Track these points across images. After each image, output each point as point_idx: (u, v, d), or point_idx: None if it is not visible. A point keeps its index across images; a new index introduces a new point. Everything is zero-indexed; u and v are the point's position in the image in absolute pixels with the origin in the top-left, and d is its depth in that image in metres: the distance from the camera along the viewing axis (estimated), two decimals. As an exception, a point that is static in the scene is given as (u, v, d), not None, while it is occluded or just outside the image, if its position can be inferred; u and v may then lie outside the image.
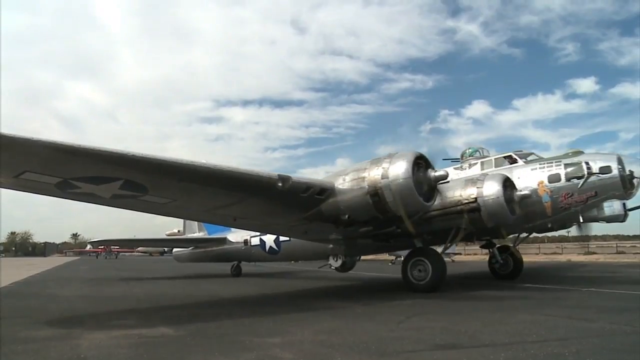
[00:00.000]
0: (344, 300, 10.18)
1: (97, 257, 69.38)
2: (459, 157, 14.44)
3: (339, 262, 15.74)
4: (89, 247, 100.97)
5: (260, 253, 16.88)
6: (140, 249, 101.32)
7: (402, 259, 13.40)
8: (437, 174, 9.98)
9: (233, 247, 17.99)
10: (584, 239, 17.53)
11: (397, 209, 9.39)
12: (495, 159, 13.83)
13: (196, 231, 21.14)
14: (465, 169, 13.67)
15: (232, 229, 18.63)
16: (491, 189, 11.05)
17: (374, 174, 9.48)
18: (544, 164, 12.46)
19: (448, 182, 11.12)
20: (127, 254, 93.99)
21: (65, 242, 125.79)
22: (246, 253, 17.51)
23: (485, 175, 11.95)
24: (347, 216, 9.98)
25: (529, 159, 13.20)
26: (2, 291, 13.19)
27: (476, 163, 13.60)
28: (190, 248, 19.70)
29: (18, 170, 6.99)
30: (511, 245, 15.20)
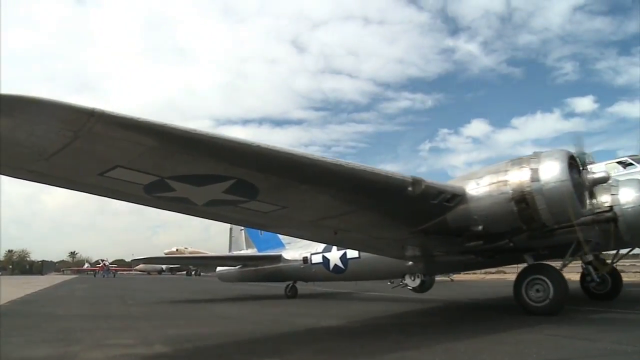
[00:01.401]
0: (441, 330, 7.86)
1: (94, 276, 68.39)
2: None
3: (417, 281, 13.88)
4: (86, 265, 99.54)
5: (323, 272, 15.06)
6: (138, 267, 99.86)
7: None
8: (596, 175, 8.37)
9: (289, 265, 15.99)
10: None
11: (548, 217, 7.77)
12: (606, 164, 12.05)
13: (244, 248, 19.02)
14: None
15: (287, 245, 16.62)
16: (630, 196, 9.42)
17: (519, 177, 7.89)
18: None
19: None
20: (124, 272, 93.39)
21: (62, 261, 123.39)
22: (305, 272, 15.56)
23: (617, 180, 10.21)
24: (480, 227, 8.21)
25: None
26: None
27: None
28: (238, 267, 17.56)
29: (108, 166, 5.04)
30: (604, 260, 13.30)
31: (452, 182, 8.66)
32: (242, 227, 18.86)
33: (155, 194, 5.97)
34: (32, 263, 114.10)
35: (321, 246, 15.05)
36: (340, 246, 13.33)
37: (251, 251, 18.24)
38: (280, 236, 17.12)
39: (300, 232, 9.17)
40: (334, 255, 14.66)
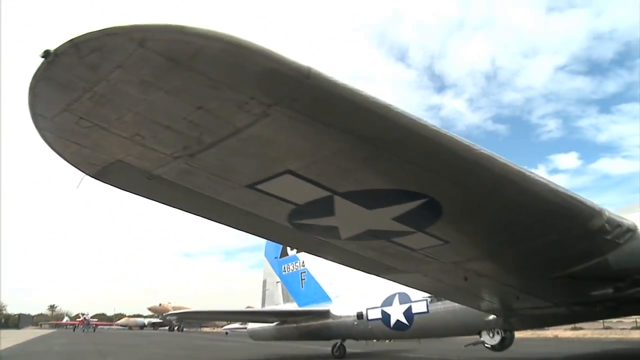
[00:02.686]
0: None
1: (74, 330, 66.86)
2: None
3: (497, 338, 11.86)
4: (66, 319, 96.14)
5: (381, 329, 13.02)
6: (119, 322, 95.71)
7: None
8: None
9: (340, 321, 13.80)
10: None
11: None
12: None
13: (280, 302, 16.61)
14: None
15: (336, 299, 14.51)
16: None
17: None
18: None
19: None
20: (105, 327, 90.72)
21: (41, 314, 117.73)
22: (359, 329, 13.39)
23: None
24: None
25: None
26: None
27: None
28: (275, 323, 15.21)
29: (275, 169, 3.26)
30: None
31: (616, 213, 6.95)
32: (279, 280, 16.69)
33: (302, 221, 4.12)
34: (8, 317, 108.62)
35: (379, 300, 13.20)
36: (443, 295, 11.47)
37: (291, 306, 15.95)
38: (328, 289, 15.06)
39: (421, 280, 7.20)
40: (396, 310, 12.79)
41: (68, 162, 3.05)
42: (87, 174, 3.18)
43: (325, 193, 3.59)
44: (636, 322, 32.52)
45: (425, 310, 12.01)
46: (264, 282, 17.58)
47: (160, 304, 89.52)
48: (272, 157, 3.09)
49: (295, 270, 16.11)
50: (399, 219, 4.26)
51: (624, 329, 30.51)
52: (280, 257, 16.75)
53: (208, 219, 4.03)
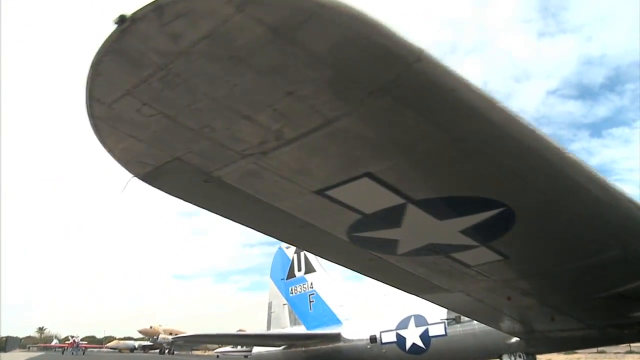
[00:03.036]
0: None
1: (62, 353, 66.24)
2: None
3: (519, 362, 11.43)
4: (55, 341, 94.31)
5: (396, 353, 12.54)
6: (109, 344, 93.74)
7: None
8: None
9: (351, 345, 13.23)
10: None
11: None
12: None
13: (287, 325, 15.93)
14: None
15: (347, 321, 13.98)
16: None
17: None
18: None
19: None
20: (95, 350, 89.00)
21: (29, 337, 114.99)
22: (372, 353, 12.85)
23: None
24: None
25: None
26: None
27: None
28: (282, 347, 14.56)
29: (353, 172, 2.85)
30: None
31: None
32: (285, 302, 16.09)
33: (362, 234, 3.69)
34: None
35: (394, 322, 12.74)
36: (476, 316, 11.08)
37: (299, 329, 15.31)
38: (338, 312, 14.51)
39: (461, 299, 6.73)
40: (412, 333, 12.37)
41: (117, 160, 2.62)
42: (135, 176, 2.76)
43: (400, 201, 3.18)
44: (630, 346, 32.10)
45: (443, 333, 11.67)
46: (270, 304, 16.93)
47: (151, 327, 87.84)
48: (354, 157, 2.69)
49: (303, 292, 15.54)
50: (467, 231, 3.85)
51: (617, 352, 30.04)
52: (287, 279, 16.20)
53: (259, 230, 3.60)
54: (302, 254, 15.92)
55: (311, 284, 15.45)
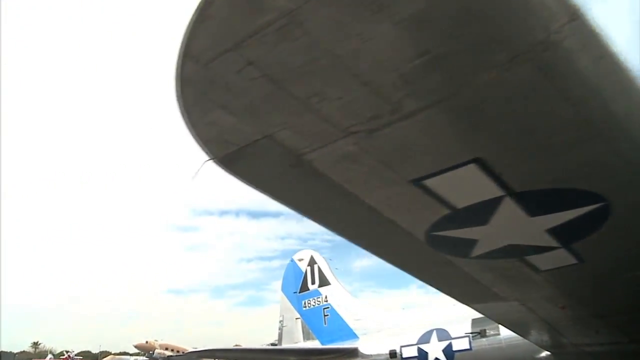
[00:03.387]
0: None
1: None
2: None
3: (550, 382, 11.00)
4: (49, 357, 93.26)
5: (418, 368, 12.00)
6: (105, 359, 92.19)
7: None
8: None
9: (370, 360, 12.79)
10: None
11: None
12: None
13: (301, 340, 15.41)
14: None
15: (364, 336, 13.58)
16: None
17: None
18: None
19: None
20: None
21: (23, 351, 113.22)
22: (392, 368, 12.37)
23: None
24: None
25: None
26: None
27: None
28: (293, 363, 14.11)
29: (462, 156, 2.42)
30: None
31: None
32: (298, 316, 15.60)
33: (443, 232, 3.32)
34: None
35: (415, 336, 12.35)
36: (517, 329, 10.74)
37: (313, 344, 14.81)
38: (354, 326, 14.05)
39: (513, 309, 6.30)
40: (435, 347, 12.03)
41: (197, 137, 2.24)
42: (211, 158, 2.38)
43: (499, 193, 2.81)
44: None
45: (467, 347, 11.36)
46: (281, 320, 16.43)
47: (147, 341, 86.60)
48: (469, 139, 2.33)
49: (317, 305, 15.06)
50: (554, 230, 3.48)
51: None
52: (299, 292, 15.74)
53: (332, 227, 3.21)
54: (315, 266, 15.51)
55: (326, 297, 15.00)
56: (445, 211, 3.03)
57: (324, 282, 15.25)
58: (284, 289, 16.67)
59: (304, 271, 15.85)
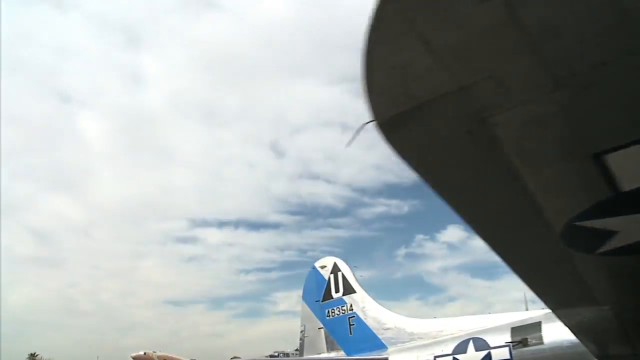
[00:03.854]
0: None
1: None
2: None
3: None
4: None
5: (454, 380, 11.51)
6: None
7: None
8: None
9: (402, 373, 12.26)
10: None
11: None
12: None
13: (323, 351, 14.81)
14: None
15: (393, 346, 13.07)
16: None
17: None
18: None
19: None
20: None
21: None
22: (426, 381, 11.85)
23: None
24: None
25: None
26: None
27: None
28: (314, 376, 13.56)
29: None
30: None
31: None
32: (321, 326, 15.06)
33: (586, 222, 2.93)
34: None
35: (450, 346, 11.86)
36: (589, 337, 10.25)
37: (336, 355, 14.27)
38: (382, 335, 13.54)
39: (599, 318, 5.83)
40: (472, 358, 11.50)
41: (370, 92, 1.84)
42: (375, 120, 1.97)
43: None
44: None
45: (507, 357, 10.78)
46: (303, 330, 15.86)
47: (144, 353, 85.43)
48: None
49: (341, 314, 14.54)
50: None
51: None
52: (322, 301, 15.21)
53: (470, 219, 2.79)
54: (339, 273, 15.03)
55: (350, 305, 14.48)
56: (605, 194, 2.62)
57: (348, 290, 14.75)
58: (305, 297, 16.13)
59: (326, 279, 15.35)
